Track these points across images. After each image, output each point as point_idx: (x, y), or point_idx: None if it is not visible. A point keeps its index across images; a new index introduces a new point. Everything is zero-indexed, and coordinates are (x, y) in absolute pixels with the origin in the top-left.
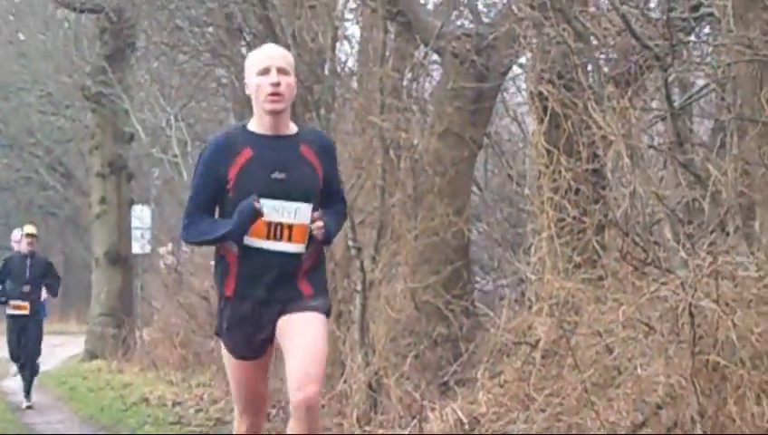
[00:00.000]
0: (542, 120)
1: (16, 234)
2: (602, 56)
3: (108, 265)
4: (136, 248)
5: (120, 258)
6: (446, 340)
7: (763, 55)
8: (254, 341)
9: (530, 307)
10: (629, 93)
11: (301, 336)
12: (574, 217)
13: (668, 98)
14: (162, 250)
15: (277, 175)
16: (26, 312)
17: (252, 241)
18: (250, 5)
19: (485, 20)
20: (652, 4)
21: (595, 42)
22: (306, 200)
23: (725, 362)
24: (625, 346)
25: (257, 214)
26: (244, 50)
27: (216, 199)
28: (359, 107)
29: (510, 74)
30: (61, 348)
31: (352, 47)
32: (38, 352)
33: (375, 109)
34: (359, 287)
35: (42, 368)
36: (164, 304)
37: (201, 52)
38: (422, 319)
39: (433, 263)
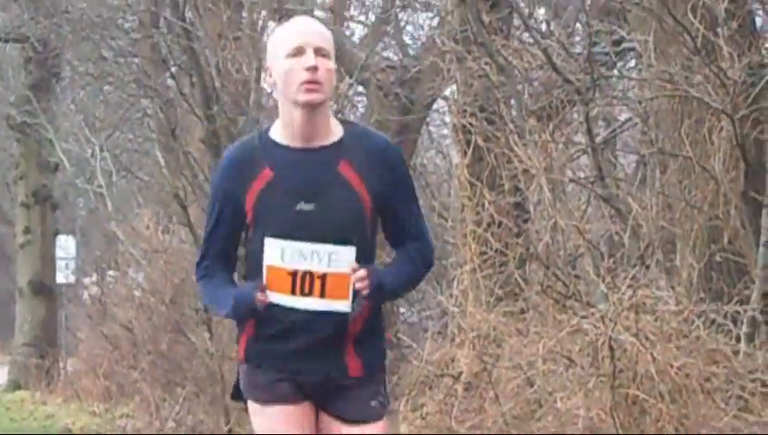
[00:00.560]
0: (465, 153)
1: None
2: (524, 90)
3: (32, 295)
4: (60, 278)
5: (44, 288)
6: None
7: (684, 90)
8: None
9: (452, 340)
10: (551, 127)
11: None
12: (496, 250)
13: (590, 132)
14: (87, 280)
15: (303, 206)
16: None
17: (273, 296)
18: (175, 37)
19: (410, 53)
20: (576, 39)
21: (517, 76)
22: (344, 241)
23: (645, 396)
24: (546, 379)
25: (257, 311)
26: (169, 81)
27: (235, 234)
28: None
29: (434, 107)
30: None
31: None
32: None
33: None
34: None
35: None
36: (88, 334)
37: (126, 82)
38: None
39: None
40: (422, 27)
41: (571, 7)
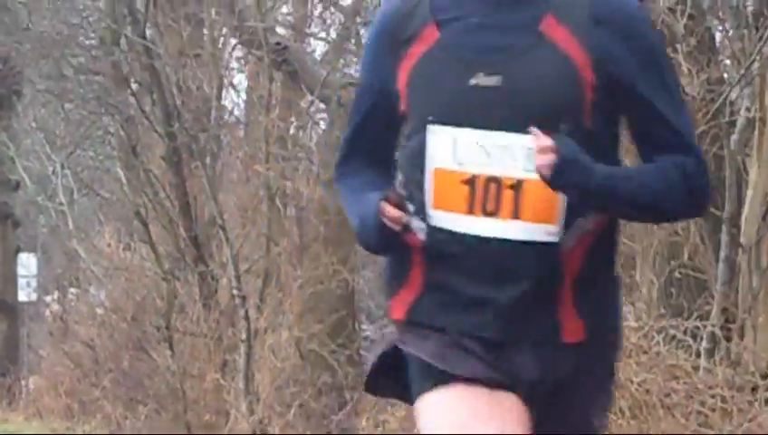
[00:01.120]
0: None
1: None
2: None
3: None
4: (22, 296)
5: (5, 306)
6: (331, 389)
7: None
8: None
9: None
10: None
11: None
12: None
13: None
14: (48, 298)
15: (482, 80)
16: None
17: (441, 217)
18: (136, 54)
19: None
20: None
21: None
22: (549, 127)
23: None
24: None
25: (389, 238)
26: (130, 98)
27: (387, 123)
28: (244, 156)
29: None
30: None
31: (238, 96)
32: None
33: (261, 158)
34: (243, 336)
35: None
36: (50, 352)
37: (87, 100)
38: (307, 368)
39: (318, 312)
40: None
41: None
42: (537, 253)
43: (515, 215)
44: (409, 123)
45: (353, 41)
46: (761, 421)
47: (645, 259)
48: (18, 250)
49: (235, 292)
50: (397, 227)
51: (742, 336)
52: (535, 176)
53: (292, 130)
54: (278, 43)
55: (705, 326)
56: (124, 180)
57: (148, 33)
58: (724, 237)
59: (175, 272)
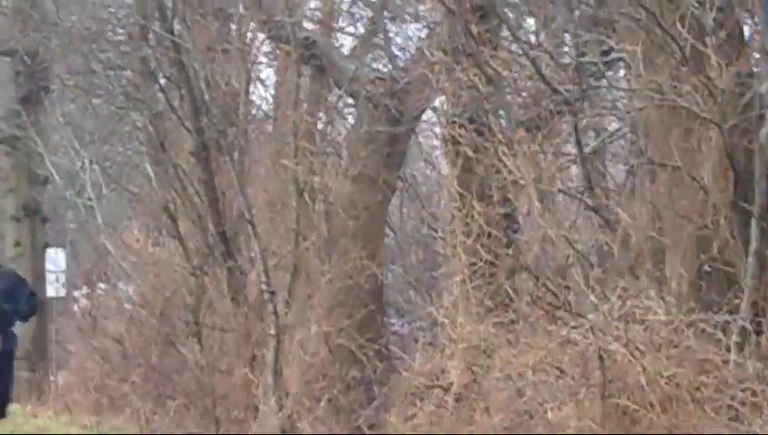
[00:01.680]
0: (454, 164)
1: None
2: (514, 101)
3: None
4: (50, 292)
5: None
6: (360, 383)
7: (672, 100)
8: None
9: (443, 351)
10: (540, 138)
11: None
12: (486, 261)
13: (579, 142)
14: (77, 294)
15: None
16: None
17: None
18: (164, 49)
19: (399, 64)
20: (564, 50)
21: (506, 86)
22: None
23: (635, 406)
24: (536, 390)
25: None
26: (158, 94)
27: None
28: (273, 151)
29: (423, 118)
30: None
31: (266, 91)
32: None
33: (289, 152)
34: (272, 331)
35: None
36: (78, 347)
37: (116, 95)
38: (336, 363)
39: (347, 306)
40: (411, 39)
41: (559, 18)
42: None
43: None
44: None
45: (381, 35)
46: None
47: (675, 253)
48: (47, 245)
49: (263, 287)
50: None
51: None
52: None
53: (320, 125)
54: (306, 38)
55: (735, 320)
56: (152, 175)
57: (176, 28)
58: (753, 231)
59: (203, 267)
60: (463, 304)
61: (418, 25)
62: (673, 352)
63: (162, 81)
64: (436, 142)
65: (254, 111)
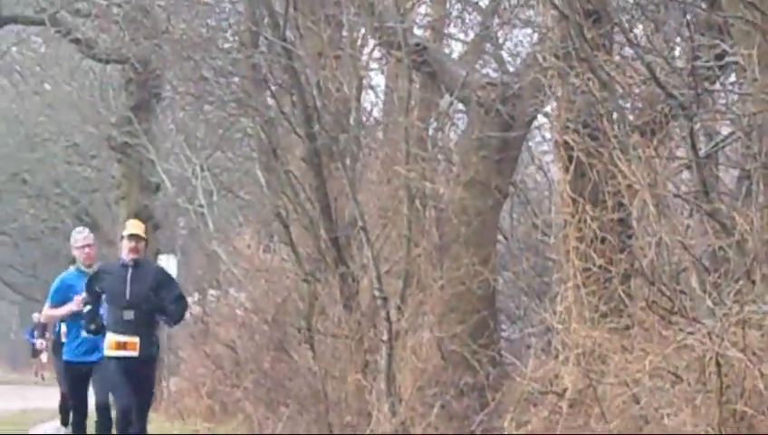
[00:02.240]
0: (567, 170)
1: (78, 236)
2: (627, 105)
3: None
4: None
5: None
6: (473, 389)
7: None
8: None
9: (556, 356)
10: (655, 142)
11: None
12: (600, 267)
13: (694, 147)
14: (188, 300)
15: None
16: (135, 353)
17: None
18: (275, 56)
19: (510, 69)
20: (677, 53)
21: (620, 91)
22: None
23: (753, 412)
24: (652, 396)
25: None
26: (269, 100)
27: None
28: (384, 157)
29: (535, 123)
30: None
31: (377, 97)
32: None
33: (400, 158)
34: (385, 337)
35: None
36: (190, 353)
37: (227, 102)
38: (449, 368)
39: (459, 312)
40: (521, 44)
41: (671, 21)
42: None
43: None
44: None
45: (491, 41)
46: None
47: None
48: (158, 252)
49: (376, 293)
50: None
51: None
52: None
53: (431, 131)
54: (417, 44)
55: None
56: (263, 182)
57: (287, 34)
58: None
59: (315, 273)
60: (577, 310)
61: (528, 30)
62: None
63: (273, 87)
64: (546, 147)
65: (365, 118)
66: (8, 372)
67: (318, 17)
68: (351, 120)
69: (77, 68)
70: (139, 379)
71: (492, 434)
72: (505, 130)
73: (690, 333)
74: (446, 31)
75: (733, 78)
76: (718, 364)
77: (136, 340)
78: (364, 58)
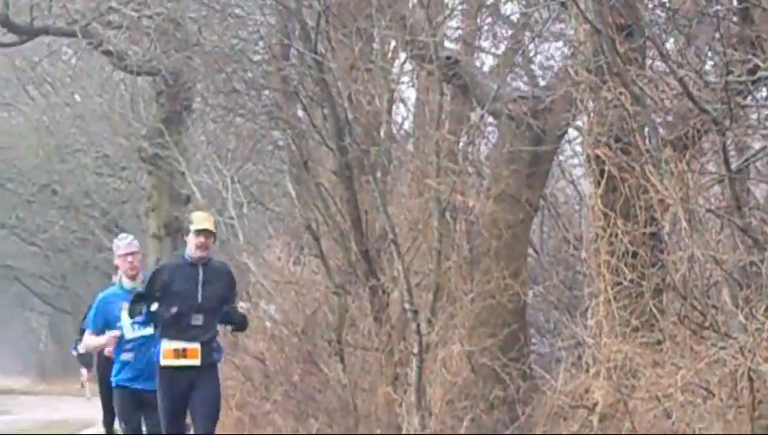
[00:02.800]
0: (598, 184)
1: (121, 243)
2: (659, 120)
3: None
4: None
5: None
6: (503, 403)
7: None
8: None
9: (587, 370)
10: (687, 157)
11: None
12: (631, 281)
13: (726, 161)
14: None
15: None
16: (196, 361)
17: None
18: (306, 68)
19: (542, 83)
20: (708, 68)
21: (652, 105)
22: None
23: None
24: (683, 411)
25: None
26: (300, 112)
27: None
28: (415, 170)
29: (566, 137)
30: None
31: (408, 110)
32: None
33: (431, 171)
34: (415, 350)
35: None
36: (220, 365)
37: (258, 114)
38: (479, 382)
39: (489, 325)
40: (553, 57)
41: (704, 36)
42: None
43: None
44: None
45: (523, 55)
46: None
47: None
48: None
49: (406, 305)
50: None
51: None
52: None
53: (461, 144)
54: (449, 57)
55: None
56: (294, 194)
57: (319, 47)
58: None
59: (346, 286)
60: (608, 324)
61: (559, 44)
62: None
63: (304, 100)
64: (576, 161)
65: (396, 131)
66: (37, 382)
67: (349, 30)
68: (382, 133)
69: (108, 80)
70: (201, 389)
71: None
72: (536, 143)
73: (722, 348)
74: (477, 44)
75: (765, 92)
76: (750, 379)
77: (197, 346)
78: (395, 71)
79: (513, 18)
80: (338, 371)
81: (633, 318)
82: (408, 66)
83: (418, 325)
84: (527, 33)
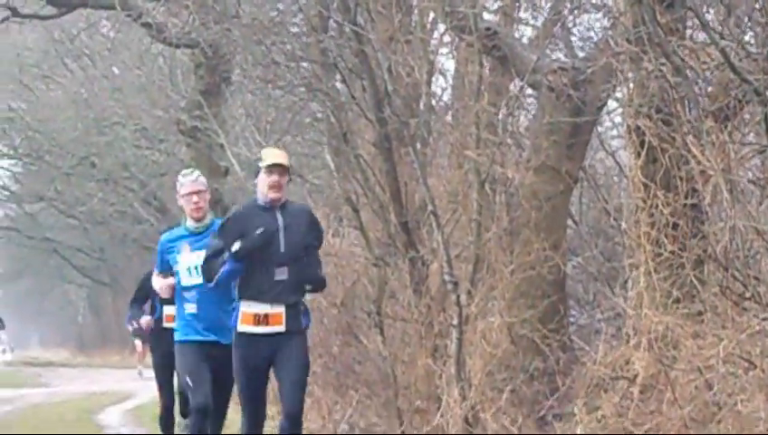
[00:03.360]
0: (639, 155)
1: (185, 180)
2: (700, 90)
3: None
4: None
5: None
6: (543, 374)
7: None
8: None
9: (627, 342)
10: (728, 127)
11: None
12: (672, 252)
13: (767, 132)
14: None
15: None
16: (280, 327)
17: None
18: (346, 40)
19: (581, 54)
20: (749, 38)
21: (693, 76)
22: None
23: None
24: (725, 382)
25: None
26: (339, 84)
27: None
28: (454, 141)
29: (606, 108)
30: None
31: (447, 81)
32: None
33: (471, 143)
34: (455, 322)
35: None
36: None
37: (296, 86)
38: (518, 353)
39: (529, 297)
40: (593, 28)
41: (744, 6)
42: None
43: None
44: None
45: (562, 26)
46: None
47: None
48: None
49: (446, 277)
50: None
51: None
52: None
53: (501, 116)
54: (488, 29)
55: None
56: (333, 166)
57: (358, 19)
58: None
59: (385, 257)
60: (648, 295)
61: (598, 15)
62: None
63: (343, 71)
64: (616, 133)
65: (435, 102)
66: (76, 355)
67: (388, 1)
68: (422, 105)
69: (146, 52)
70: (288, 356)
71: (562, 419)
72: (576, 115)
73: (764, 319)
74: (516, 15)
75: None
76: None
77: (281, 310)
78: (434, 42)
79: None
80: (377, 342)
81: (674, 289)
82: (447, 38)
83: (458, 297)
84: (567, 4)
